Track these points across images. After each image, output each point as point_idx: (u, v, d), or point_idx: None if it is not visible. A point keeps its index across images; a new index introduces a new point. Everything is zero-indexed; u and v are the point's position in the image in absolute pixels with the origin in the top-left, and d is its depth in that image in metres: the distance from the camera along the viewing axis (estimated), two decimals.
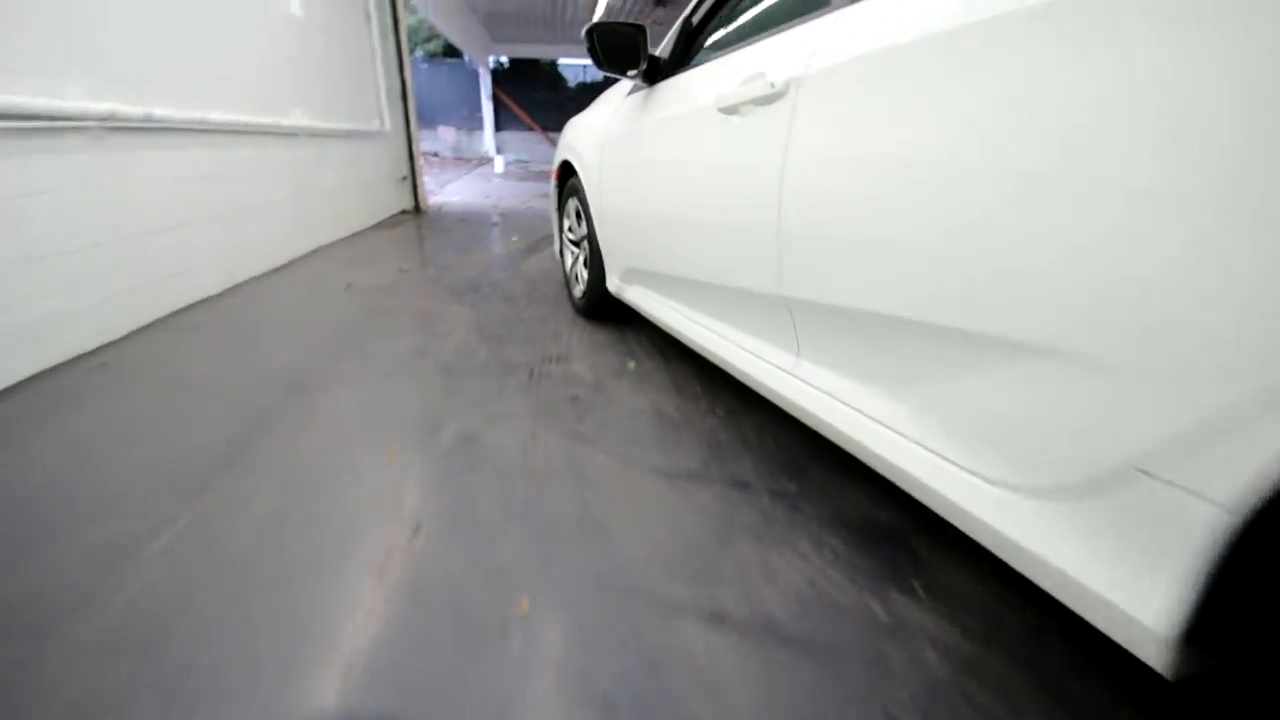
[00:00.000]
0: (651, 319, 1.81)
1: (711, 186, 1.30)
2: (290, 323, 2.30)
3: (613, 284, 2.06)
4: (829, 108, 0.93)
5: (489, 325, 2.31)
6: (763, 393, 1.25)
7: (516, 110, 16.45)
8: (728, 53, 1.33)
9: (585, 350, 2.07)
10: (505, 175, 10.92)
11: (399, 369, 1.84)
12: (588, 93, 16.77)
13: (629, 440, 1.45)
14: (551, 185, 2.68)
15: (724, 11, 1.51)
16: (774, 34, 1.16)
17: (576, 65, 16.92)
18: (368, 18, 4.72)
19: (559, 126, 2.66)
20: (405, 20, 5.31)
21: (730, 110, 1.20)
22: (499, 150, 15.50)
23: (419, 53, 15.92)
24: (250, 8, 3.08)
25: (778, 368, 1.18)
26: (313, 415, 1.53)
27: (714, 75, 1.35)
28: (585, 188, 2.13)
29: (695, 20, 1.60)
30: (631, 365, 1.94)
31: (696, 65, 1.48)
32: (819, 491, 1.25)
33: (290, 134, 3.44)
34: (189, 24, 2.53)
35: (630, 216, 1.79)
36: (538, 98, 16.59)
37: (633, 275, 1.90)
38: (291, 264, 3.32)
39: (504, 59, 16.28)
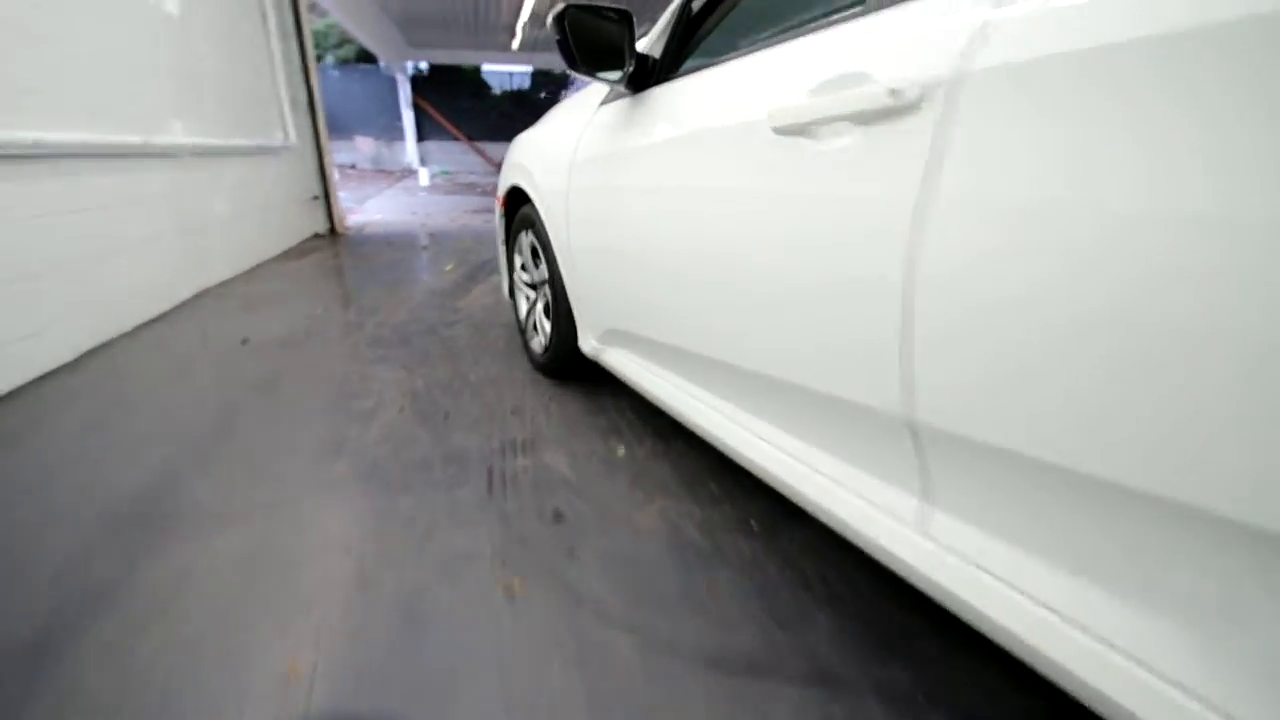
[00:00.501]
0: (649, 397, 1.38)
1: (761, 240, 0.90)
2: (158, 405, 1.74)
3: (588, 345, 1.62)
4: (1041, 128, 0.54)
5: (428, 395, 1.82)
6: (854, 540, 0.85)
7: (440, 119, 15.66)
8: (764, 48, 0.93)
9: (557, 430, 1.62)
10: (431, 189, 10.23)
11: (305, 482, 1.34)
12: (514, 101, 16.25)
13: (648, 594, 1.02)
14: (497, 214, 2.21)
15: None
16: (857, 18, 0.77)
17: (502, 72, 16.31)
18: (264, 19, 4.10)
19: (485, 136, 2.18)
20: (309, 22, 4.68)
21: (796, 131, 0.80)
22: (423, 161, 14.71)
23: (329, 59, 14.91)
24: (107, 5, 2.47)
25: (884, 512, 0.79)
26: (162, 590, 1.02)
27: (749, 80, 0.95)
28: (545, 220, 1.69)
29: (696, 7, 1.20)
30: (621, 451, 1.51)
31: (709, 67, 1.08)
32: (943, 680, 0.86)
33: (169, 154, 2.83)
34: (16, 24, 1.92)
35: (615, 262, 1.36)
36: (461, 106, 15.89)
37: (619, 338, 1.47)
38: (176, 311, 2.71)
39: (423, 65, 15.47)
